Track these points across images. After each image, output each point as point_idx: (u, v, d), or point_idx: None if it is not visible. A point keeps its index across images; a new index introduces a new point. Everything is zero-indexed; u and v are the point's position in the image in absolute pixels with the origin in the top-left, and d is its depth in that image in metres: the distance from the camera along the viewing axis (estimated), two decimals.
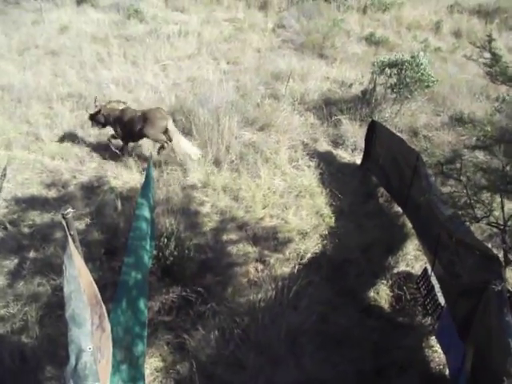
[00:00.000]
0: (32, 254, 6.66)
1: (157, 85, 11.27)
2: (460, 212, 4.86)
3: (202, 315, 5.88)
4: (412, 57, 9.91)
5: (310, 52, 13.41)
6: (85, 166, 8.61)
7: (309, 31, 14.24)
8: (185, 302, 6.02)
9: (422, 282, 6.39)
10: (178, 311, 5.94)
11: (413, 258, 6.95)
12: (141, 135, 8.49)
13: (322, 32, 13.91)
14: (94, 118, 8.85)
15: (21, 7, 16.37)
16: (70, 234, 3.51)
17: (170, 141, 8.35)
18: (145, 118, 8.31)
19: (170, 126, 8.34)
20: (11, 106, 10.19)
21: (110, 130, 8.87)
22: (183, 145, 8.45)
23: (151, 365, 5.37)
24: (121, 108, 8.71)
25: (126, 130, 8.56)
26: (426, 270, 6.38)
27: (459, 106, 10.57)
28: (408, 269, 6.79)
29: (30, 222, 7.25)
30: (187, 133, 9.07)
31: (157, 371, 5.36)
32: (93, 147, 9.12)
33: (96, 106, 8.71)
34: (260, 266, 6.64)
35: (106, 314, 3.53)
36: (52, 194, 7.93)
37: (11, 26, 14.81)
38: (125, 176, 8.26)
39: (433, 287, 6.07)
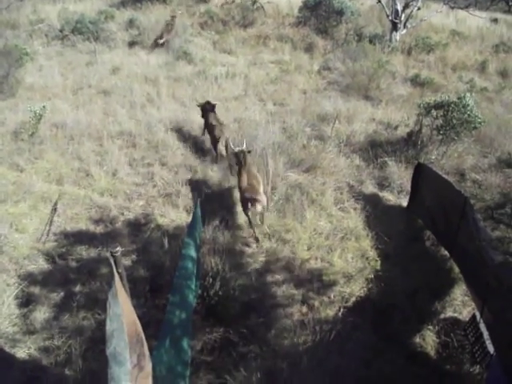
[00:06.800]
0: (78, 288, 6.81)
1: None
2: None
3: (244, 356, 5.85)
4: (458, 98, 9.82)
5: (356, 94, 13.45)
6: (132, 204, 8.78)
7: (354, 73, 14.26)
8: (228, 342, 6.02)
9: (470, 329, 6.19)
10: (221, 351, 5.92)
11: (460, 304, 6.78)
12: None
13: (367, 74, 13.95)
14: None
15: (76, 49, 16.99)
16: (118, 272, 3.57)
17: None
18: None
19: None
20: (64, 143, 10.47)
21: None
22: None
23: None
24: None
25: None
26: (474, 316, 6.19)
27: (507, 147, 10.42)
28: (455, 315, 6.62)
29: (78, 257, 7.42)
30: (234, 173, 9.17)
31: None
32: (140, 185, 9.31)
33: None
34: (304, 309, 6.59)
35: (146, 353, 3.57)
36: (100, 229, 8.10)
37: (67, 67, 15.47)
38: (171, 214, 8.39)
39: (481, 334, 5.87)
